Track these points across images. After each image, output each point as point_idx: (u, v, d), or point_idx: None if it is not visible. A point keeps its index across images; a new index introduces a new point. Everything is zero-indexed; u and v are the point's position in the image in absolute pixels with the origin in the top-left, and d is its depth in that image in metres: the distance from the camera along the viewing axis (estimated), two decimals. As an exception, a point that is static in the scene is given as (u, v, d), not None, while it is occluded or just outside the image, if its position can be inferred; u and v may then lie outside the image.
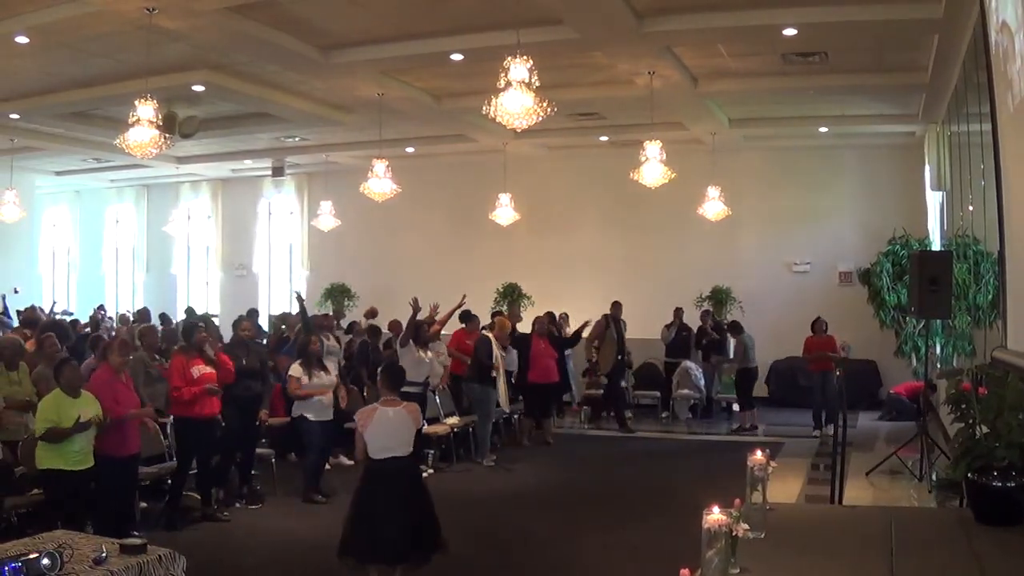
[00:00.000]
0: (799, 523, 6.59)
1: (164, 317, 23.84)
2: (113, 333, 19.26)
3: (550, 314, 20.27)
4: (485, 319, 19.52)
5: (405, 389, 15.22)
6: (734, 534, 5.04)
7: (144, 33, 13.15)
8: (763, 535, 5.79)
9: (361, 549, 8.89)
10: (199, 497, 12.43)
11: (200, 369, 12.06)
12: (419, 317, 15.49)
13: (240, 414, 12.83)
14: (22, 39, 14.12)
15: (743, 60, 16.24)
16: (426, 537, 8.99)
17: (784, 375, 22.35)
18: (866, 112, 19.94)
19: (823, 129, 21.05)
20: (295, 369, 13.73)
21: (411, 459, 9.31)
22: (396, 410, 9.09)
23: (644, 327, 21.81)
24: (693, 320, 21.44)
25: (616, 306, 19.54)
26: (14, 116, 19.93)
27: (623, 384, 20.49)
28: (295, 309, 22.79)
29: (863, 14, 13.11)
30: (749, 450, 6.21)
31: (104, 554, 6.61)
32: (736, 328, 20.28)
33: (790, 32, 13.99)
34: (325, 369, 14.01)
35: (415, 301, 15.17)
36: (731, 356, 20.57)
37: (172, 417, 12.40)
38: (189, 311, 24.89)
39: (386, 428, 8.98)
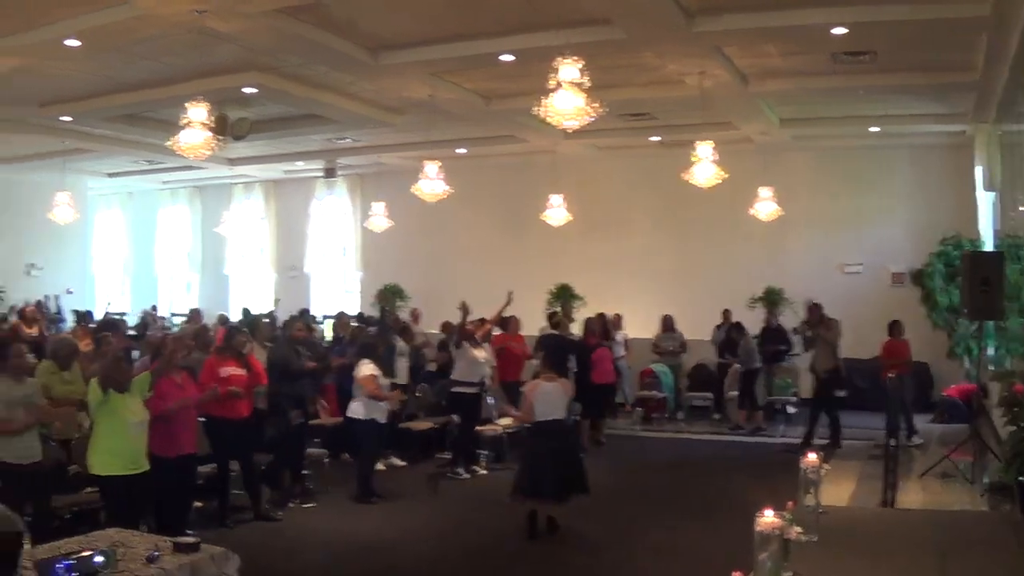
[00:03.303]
0: (851, 526, 6.57)
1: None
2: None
3: (602, 315, 20.23)
4: (533, 319, 19.69)
5: (460, 390, 15.45)
6: (787, 537, 5.03)
7: (194, 36, 13.23)
8: (815, 538, 5.77)
9: (528, 490, 11.56)
10: (249, 497, 12.53)
11: (229, 370, 12.15)
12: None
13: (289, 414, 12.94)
14: (72, 43, 14.18)
15: (792, 59, 16.12)
16: (576, 482, 11.69)
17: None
18: (916, 111, 19.68)
19: (873, 129, 20.79)
20: (371, 367, 13.77)
21: (564, 421, 12.01)
22: (553, 384, 11.90)
23: (696, 328, 21.77)
24: (747, 320, 21.31)
25: (814, 309, 18.60)
26: (66, 119, 20.06)
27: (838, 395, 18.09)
28: (351, 310, 23.00)
29: (911, 13, 12.97)
30: (802, 452, 6.19)
31: (157, 552, 6.65)
32: (740, 329, 20.33)
33: (839, 31, 13.86)
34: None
35: (464, 305, 15.24)
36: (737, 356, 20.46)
37: (204, 417, 12.46)
38: (245, 312, 25.00)
39: (546, 397, 11.71)
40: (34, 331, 17.23)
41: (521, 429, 13.84)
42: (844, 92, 17.87)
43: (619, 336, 21.28)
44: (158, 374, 10.41)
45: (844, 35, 14.05)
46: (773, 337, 20.61)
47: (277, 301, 18.72)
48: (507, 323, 17.96)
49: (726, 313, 21.23)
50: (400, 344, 16.50)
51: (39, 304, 23.02)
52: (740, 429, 19.63)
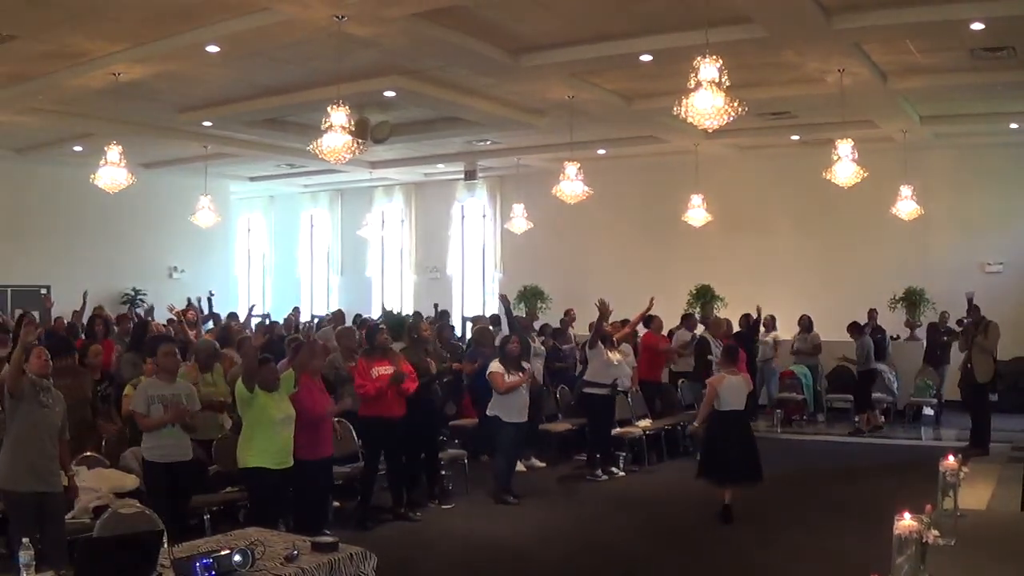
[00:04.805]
0: (990, 530, 6.49)
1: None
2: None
3: (747, 316, 19.92)
4: (674, 320, 19.62)
5: (590, 391, 15.38)
6: (924, 541, 4.95)
7: (334, 40, 13.31)
8: (953, 542, 5.66)
9: (712, 474, 12.41)
10: (391, 497, 12.62)
11: (381, 369, 12.24)
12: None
13: (420, 415, 12.95)
14: (213, 48, 14.41)
15: (932, 56, 15.85)
16: (753, 467, 12.35)
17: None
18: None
19: (1013, 126, 20.41)
20: (496, 366, 13.80)
21: (744, 412, 12.55)
22: (736, 378, 12.46)
23: (837, 329, 21.44)
24: (890, 322, 21.02)
25: (975, 310, 17.94)
26: (207, 124, 20.47)
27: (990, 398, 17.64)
28: (489, 311, 23.02)
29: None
30: (941, 455, 6.10)
31: (296, 552, 6.69)
32: (858, 330, 19.81)
33: (977, 27, 13.63)
34: (523, 370, 14.08)
35: (602, 303, 15.15)
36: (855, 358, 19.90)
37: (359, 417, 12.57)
38: (387, 313, 25.24)
39: (732, 389, 12.34)
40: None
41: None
42: (984, 88, 17.58)
43: (769, 337, 21.08)
44: (300, 370, 10.54)
45: (982, 31, 13.83)
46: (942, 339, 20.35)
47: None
48: (651, 322, 17.88)
49: (871, 313, 20.84)
50: (535, 345, 16.47)
51: (190, 305, 23.35)
52: (879, 430, 19.41)
